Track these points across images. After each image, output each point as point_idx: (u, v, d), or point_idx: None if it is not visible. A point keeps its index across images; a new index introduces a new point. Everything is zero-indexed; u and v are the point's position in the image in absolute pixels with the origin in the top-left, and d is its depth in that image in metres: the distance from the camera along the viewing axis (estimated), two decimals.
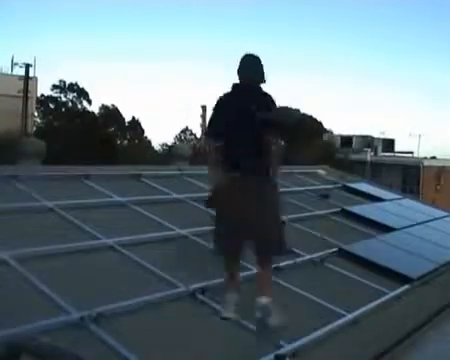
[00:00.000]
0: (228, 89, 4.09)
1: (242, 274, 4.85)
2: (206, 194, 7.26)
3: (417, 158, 32.47)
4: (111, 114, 44.32)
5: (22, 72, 27.95)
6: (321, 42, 76.02)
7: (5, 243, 4.32)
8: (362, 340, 4.32)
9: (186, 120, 69.19)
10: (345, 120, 73.98)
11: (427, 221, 9.11)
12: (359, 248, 6.62)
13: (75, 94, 43.43)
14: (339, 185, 10.42)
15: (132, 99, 66.38)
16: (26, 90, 26.99)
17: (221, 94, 4.09)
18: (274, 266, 5.16)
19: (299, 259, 5.74)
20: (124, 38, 72.74)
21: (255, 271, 4.39)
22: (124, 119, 46.24)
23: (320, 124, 48.96)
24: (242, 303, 4.35)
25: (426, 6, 73.35)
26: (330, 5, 71.90)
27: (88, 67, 66.15)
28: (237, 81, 4.09)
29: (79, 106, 43.37)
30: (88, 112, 42.09)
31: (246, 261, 5.17)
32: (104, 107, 44.89)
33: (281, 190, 8.65)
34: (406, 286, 5.69)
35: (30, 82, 27.69)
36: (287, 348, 3.67)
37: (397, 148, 36.75)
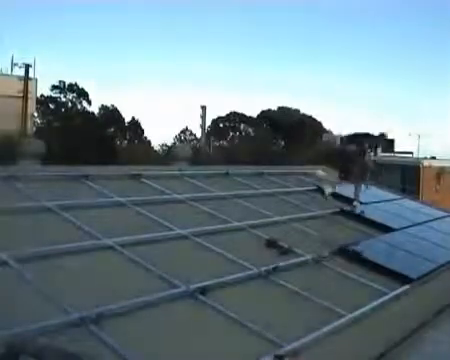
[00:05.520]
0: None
1: (242, 274, 4.87)
2: (205, 194, 7.35)
3: (417, 158, 32.46)
4: (111, 114, 44.35)
5: (22, 73, 28.01)
6: (321, 42, 76.08)
7: (5, 243, 4.32)
8: (362, 340, 4.32)
9: (186, 120, 69.10)
10: (345, 120, 73.93)
11: (427, 221, 9.12)
12: (359, 248, 6.62)
13: (75, 94, 43.48)
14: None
15: (132, 99, 66.37)
16: (26, 90, 27.02)
17: None
18: (273, 266, 5.18)
19: (299, 259, 5.74)
20: (124, 38, 72.78)
21: None
22: (124, 119, 46.28)
23: (320, 124, 49.03)
24: (242, 303, 4.36)
25: (427, 6, 73.41)
26: (330, 5, 71.95)
27: (88, 67, 66.17)
28: None
29: (79, 106, 43.43)
30: (88, 112, 42.13)
31: (245, 260, 5.18)
32: (104, 107, 44.93)
33: (281, 190, 8.75)
34: (406, 286, 5.69)
35: (30, 83, 27.72)
36: (287, 348, 3.67)
37: (397, 148, 36.76)
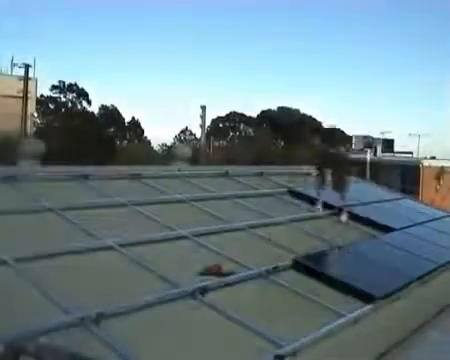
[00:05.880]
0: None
1: (242, 273, 4.87)
2: (205, 194, 7.34)
3: (417, 158, 32.43)
4: (111, 114, 44.36)
5: (22, 73, 28.00)
6: (320, 41, 76.06)
7: (5, 243, 4.32)
8: (362, 340, 4.32)
9: (186, 120, 69.08)
10: (345, 120, 74.00)
11: (427, 221, 9.11)
12: (359, 248, 6.63)
13: (74, 94, 43.50)
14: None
15: (132, 99, 66.44)
16: (26, 90, 27.01)
17: None
18: (273, 266, 5.18)
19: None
20: (124, 38, 72.76)
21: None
22: (124, 119, 46.31)
23: (320, 124, 49.05)
24: (242, 303, 4.36)
25: (428, 4, 73.41)
26: (329, 5, 71.98)
27: (88, 67, 66.18)
28: None
29: (79, 106, 43.45)
30: (88, 112, 42.16)
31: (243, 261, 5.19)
32: (104, 107, 44.95)
33: (281, 190, 8.74)
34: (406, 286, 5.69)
35: (30, 83, 27.71)
36: (287, 348, 3.67)
37: (397, 148, 36.75)
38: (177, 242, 5.45)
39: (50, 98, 42.95)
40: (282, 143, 48.52)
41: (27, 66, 27.81)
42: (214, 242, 5.53)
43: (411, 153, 35.63)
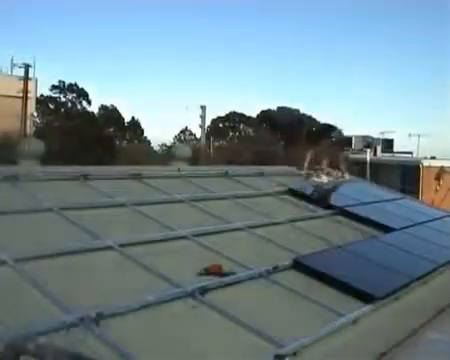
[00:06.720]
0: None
1: (242, 274, 4.87)
2: (205, 194, 7.34)
3: (417, 158, 32.42)
4: (111, 114, 44.38)
5: (22, 73, 28.03)
6: (320, 42, 76.08)
7: (5, 243, 4.32)
8: (362, 340, 4.32)
9: (186, 120, 69.07)
10: (345, 120, 74.00)
11: (427, 221, 9.11)
12: (359, 248, 6.63)
13: (74, 94, 43.52)
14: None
15: (132, 99, 66.49)
16: (26, 91, 27.04)
17: None
18: (273, 266, 5.18)
19: None
20: (124, 38, 72.78)
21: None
22: (124, 119, 46.33)
23: (319, 124, 49.03)
24: (242, 303, 4.36)
25: (428, 5, 73.41)
26: (328, 4, 72.00)
27: (88, 67, 66.20)
28: None
29: (79, 106, 43.46)
30: (88, 112, 42.15)
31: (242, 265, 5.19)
32: (104, 107, 44.98)
33: (281, 189, 8.74)
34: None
35: (30, 82, 27.74)
36: (287, 348, 3.67)
37: (397, 148, 36.74)
38: (177, 242, 5.45)
39: (50, 98, 42.98)
40: (282, 143, 48.51)
41: (27, 66, 27.86)
42: (214, 242, 5.53)
43: (411, 153, 35.63)
